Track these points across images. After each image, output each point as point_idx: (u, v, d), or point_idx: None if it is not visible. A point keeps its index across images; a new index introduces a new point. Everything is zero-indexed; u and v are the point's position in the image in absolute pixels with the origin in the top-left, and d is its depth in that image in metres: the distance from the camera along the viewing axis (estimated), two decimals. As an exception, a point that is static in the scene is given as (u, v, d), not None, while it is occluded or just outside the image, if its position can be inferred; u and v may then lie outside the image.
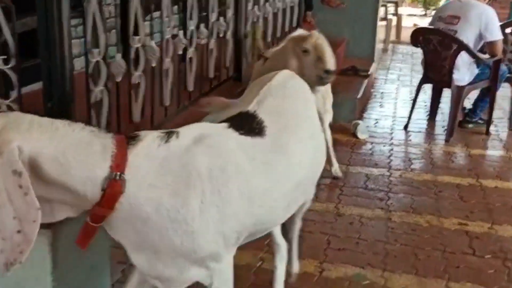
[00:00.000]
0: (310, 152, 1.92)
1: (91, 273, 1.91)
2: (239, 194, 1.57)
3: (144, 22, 2.31)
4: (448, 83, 4.81)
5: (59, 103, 1.81)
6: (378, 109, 5.87)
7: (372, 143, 4.83)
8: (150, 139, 1.43)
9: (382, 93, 6.53)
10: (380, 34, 9.05)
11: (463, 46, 4.62)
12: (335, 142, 4.68)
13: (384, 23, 9.32)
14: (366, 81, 5.99)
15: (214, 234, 1.52)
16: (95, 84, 2.05)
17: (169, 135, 1.48)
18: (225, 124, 1.69)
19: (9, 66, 1.84)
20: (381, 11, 9.14)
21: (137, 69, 2.32)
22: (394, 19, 9.93)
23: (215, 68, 3.25)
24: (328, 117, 3.77)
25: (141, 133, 1.46)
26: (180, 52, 2.73)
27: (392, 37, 9.86)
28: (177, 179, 1.42)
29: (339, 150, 4.57)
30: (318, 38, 2.94)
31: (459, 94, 4.81)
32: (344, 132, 4.98)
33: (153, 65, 2.45)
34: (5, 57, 1.85)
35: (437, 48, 4.74)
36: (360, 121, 5.05)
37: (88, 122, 2.04)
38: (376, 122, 5.41)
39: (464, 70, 4.75)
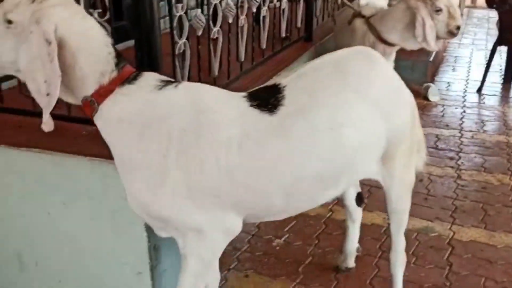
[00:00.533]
0: (326, 145, 1.64)
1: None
2: (215, 165, 1.53)
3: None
4: (525, 44, 4.66)
5: (149, 55, 1.98)
6: (451, 73, 5.77)
7: (443, 105, 4.79)
8: (146, 82, 1.54)
9: (455, 57, 6.38)
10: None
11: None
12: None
13: (459, -14, 8.99)
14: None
15: (174, 195, 1.53)
16: (179, 36, 2.21)
17: (167, 84, 1.56)
18: (243, 93, 1.66)
19: (105, 18, 2.03)
20: (456, -26, 8.83)
21: (216, 25, 2.46)
22: (470, -17, 9.56)
23: (287, 28, 3.35)
24: None
25: (146, 74, 1.58)
26: (254, 10, 2.85)
27: (467, 1, 9.51)
28: (148, 127, 1.51)
29: (409, 112, 4.57)
30: None
31: (537, 55, 4.65)
32: (415, 94, 4.86)
33: (230, 21, 2.58)
34: (100, 10, 2.05)
35: (513, 8, 4.59)
36: (431, 84, 5.01)
37: (173, 72, 2.23)
38: (448, 85, 5.33)
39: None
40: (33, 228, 2.07)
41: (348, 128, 1.68)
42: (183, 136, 1.51)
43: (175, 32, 2.15)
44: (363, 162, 1.80)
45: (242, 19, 2.70)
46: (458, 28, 3.13)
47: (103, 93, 1.51)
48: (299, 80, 1.70)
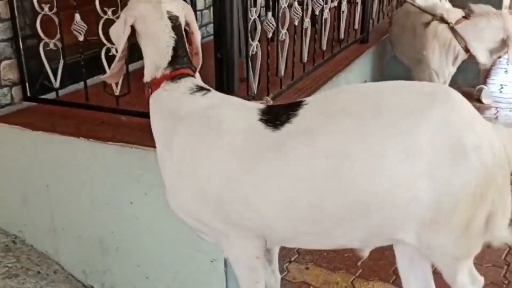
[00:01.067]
0: (323, 173, 1.47)
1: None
2: (215, 172, 1.58)
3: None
4: None
5: (226, 54, 2.12)
6: (503, 75, 5.72)
7: (497, 108, 4.77)
8: (185, 84, 1.71)
9: (507, 59, 6.30)
10: (506, 0, 8.63)
11: None
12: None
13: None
14: (491, 46, 5.84)
15: (192, 197, 1.64)
16: (252, 38, 2.34)
17: (201, 90, 1.71)
18: (262, 106, 1.67)
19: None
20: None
21: (283, 27, 2.57)
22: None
23: (345, 30, 3.44)
24: None
25: (187, 78, 1.73)
26: (317, 12, 2.95)
27: (519, 2, 9.34)
28: (167, 122, 1.69)
29: (462, 114, 4.58)
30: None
31: None
32: (467, 97, 4.86)
33: (296, 23, 2.69)
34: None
35: None
36: (484, 86, 4.99)
37: (246, 73, 2.36)
38: (501, 88, 5.29)
39: None
40: (115, 216, 2.23)
41: (354, 162, 1.46)
42: (190, 139, 1.64)
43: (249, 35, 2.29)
44: (385, 216, 1.51)
45: (307, 22, 2.81)
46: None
47: (154, 83, 1.72)
48: (326, 100, 1.61)
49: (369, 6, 3.78)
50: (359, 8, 3.66)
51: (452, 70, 3.61)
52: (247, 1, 2.26)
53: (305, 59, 2.88)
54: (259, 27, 2.35)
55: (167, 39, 1.71)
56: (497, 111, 4.70)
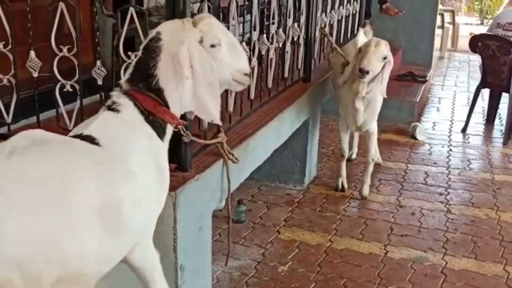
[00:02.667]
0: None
1: (199, 233, 2.29)
2: None
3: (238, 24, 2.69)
4: (507, 87, 4.99)
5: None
6: (436, 113, 6.08)
7: (430, 144, 5.06)
8: None
9: (439, 98, 6.72)
10: (437, 42, 9.21)
11: (522, 52, 4.81)
12: (395, 143, 4.97)
13: (440, 31, 9.46)
14: (423, 86, 6.22)
15: None
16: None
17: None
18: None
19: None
20: (438, 20, 9.30)
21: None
22: (451, 28, 10.04)
23: (289, 69, 3.60)
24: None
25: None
26: (263, 52, 3.09)
27: (449, 45, 9.98)
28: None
29: (398, 150, 4.85)
30: (370, 41, 3.47)
31: (517, 98, 4.98)
32: (402, 133, 5.24)
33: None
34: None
35: (495, 54, 4.94)
36: (418, 123, 5.30)
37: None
38: (434, 125, 5.62)
39: (523, 75, 4.93)
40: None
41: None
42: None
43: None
44: None
45: (254, 61, 2.94)
46: (360, 70, 3.29)
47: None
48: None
49: (311, 47, 3.97)
50: (301, 49, 3.84)
51: None
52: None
53: (252, 96, 3.00)
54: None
55: None
56: (431, 147, 4.98)
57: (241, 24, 3.18)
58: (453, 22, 10.18)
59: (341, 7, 4.70)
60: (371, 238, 3.33)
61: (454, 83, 7.55)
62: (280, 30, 3.35)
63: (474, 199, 3.90)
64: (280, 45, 3.40)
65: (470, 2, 15.48)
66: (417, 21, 6.99)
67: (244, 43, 2.81)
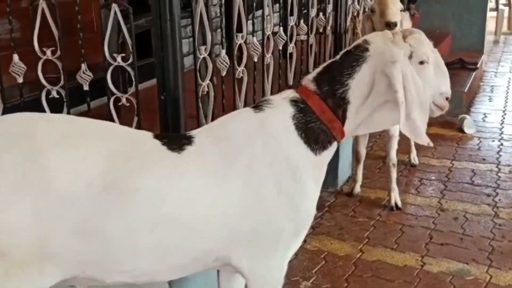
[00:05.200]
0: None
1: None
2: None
3: (247, 21, 2.44)
4: None
5: (171, 96, 1.98)
6: (487, 103, 5.61)
7: (479, 138, 4.64)
8: None
9: (492, 86, 6.22)
10: (491, 26, 8.60)
11: None
12: (440, 137, 4.58)
13: (494, 13, 8.84)
14: (473, 74, 5.75)
15: None
16: (202, 78, 2.20)
17: None
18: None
19: (128, 62, 2.04)
20: (492, 2, 8.68)
21: (240, 65, 2.44)
22: (506, 10, 9.37)
23: (315, 63, 3.31)
24: None
25: None
26: (280, 47, 2.83)
27: (504, 28, 9.32)
28: None
29: (444, 145, 4.46)
30: None
31: None
32: (449, 127, 4.83)
33: (255, 60, 2.57)
34: (124, 55, 2.06)
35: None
36: (467, 116, 4.87)
37: (197, 113, 2.22)
38: (485, 117, 5.18)
39: None
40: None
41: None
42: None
43: (198, 73, 2.15)
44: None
45: (268, 57, 2.69)
46: (387, 24, 3.02)
47: None
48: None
49: (341, 38, 3.66)
50: (330, 40, 3.54)
51: None
52: (195, 39, 2.13)
53: (268, 95, 2.74)
54: (210, 65, 2.22)
55: None
56: (480, 142, 4.56)
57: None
58: (509, 3, 9.50)
59: (376, -8, 4.35)
60: (406, 248, 3.01)
61: (509, 69, 6.99)
62: (302, 22, 3.07)
63: (527, 201, 3.50)
64: (302, 37, 3.12)
65: (529, -19, 14.48)
66: (467, 4, 6.50)
67: (254, 38, 2.56)
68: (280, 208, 1.60)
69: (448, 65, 5.46)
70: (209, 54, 2.21)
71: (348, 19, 3.73)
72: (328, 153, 1.71)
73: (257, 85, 2.68)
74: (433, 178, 3.90)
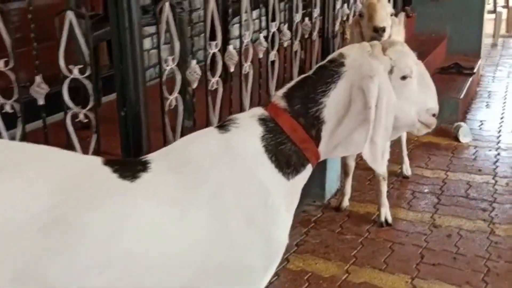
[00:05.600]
0: None
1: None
2: None
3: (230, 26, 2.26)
4: None
5: (132, 112, 1.80)
6: (484, 110, 5.42)
7: (475, 147, 4.45)
8: None
9: (489, 92, 6.03)
10: (489, 28, 8.41)
11: None
12: (435, 146, 4.40)
13: (493, 16, 8.66)
14: (470, 79, 5.56)
15: None
16: (170, 91, 2.02)
17: None
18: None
19: (85, 75, 1.86)
20: (489, 5, 8.50)
21: (214, 75, 2.26)
22: (505, 12, 9.18)
23: (300, 71, 3.12)
24: None
25: None
26: (261, 55, 2.65)
27: (502, 30, 9.13)
28: None
29: (438, 155, 4.28)
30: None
31: None
32: (445, 135, 4.64)
33: (232, 70, 2.39)
34: (82, 66, 1.88)
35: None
36: (462, 123, 4.68)
37: (163, 129, 2.03)
38: (481, 124, 4.99)
39: None
40: None
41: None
42: None
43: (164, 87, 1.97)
44: None
45: (247, 66, 2.50)
46: (375, 30, 2.86)
47: None
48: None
49: (330, 42, 3.47)
50: (317, 45, 3.35)
51: None
52: (159, 50, 1.95)
53: (247, 107, 2.56)
54: (178, 77, 2.03)
55: None
56: (476, 151, 4.38)
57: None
58: (507, 6, 9.31)
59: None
60: (396, 269, 2.83)
61: (507, 74, 6.79)
62: (285, 27, 2.89)
63: (524, 217, 3.32)
64: (286, 44, 2.94)
65: (528, -18, 14.30)
66: (464, 6, 6.30)
67: (230, 47, 2.37)
68: (251, 241, 1.42)
69: (444, 69, 5.30)
70: (177, 65, 2.02)
71: (337, 23, 3.54)
72: (302, 178, 1.53)
73: (236, 96, 2.50)
74: (426, 190, 3.72)
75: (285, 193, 1.48)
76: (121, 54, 1.76)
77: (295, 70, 3.05)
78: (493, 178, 3.86)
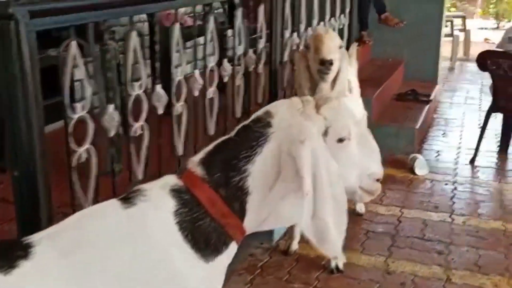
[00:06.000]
0: None
1: None
2: None
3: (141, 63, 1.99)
4: (522, 113, 4.22)
5: (25, 173, 1.51)
6: (441, 139, 5.30)
7: (432, 180, 4.29)
8: None
9: (446, 119, 5.93)
10: (446, 52, 8.42)
11: (539, 71, 4.03)
12: (390, 179, 4.22)
13: (450, 39, 8.68)
14: (427, 107, 5.45)
15: None
16: (79, 143, 1.74)
17: None
18: None
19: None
20: (447, 27, 8.51)
21: (139, 119, 1.99)
22: (462, 35, 9.23)
23: (244, 108, 2.88)
24: None
25: None
26: (196, 93, 2.39)
27: (460, 53, 9.17)
28: None
29: (393, 189, 4.10)
30: (317, 30, 2.82)
31: (534, 125, 4.20)
32: (400, 166, 4.48)
33: (160, 112, 2.12)
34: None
35: (508, 74, 4.17)
36: (418, 155, 4.52)
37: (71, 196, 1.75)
38: (438, 155, 4.85)
39: (540, 98, 4.16)
40: None
41: None
42: None
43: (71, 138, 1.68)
44: None
45: (179, 107, 2.24)
46: (322, 62, 2.62)
47: None
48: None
49: (276, 75, 3.25)
50: (262, 79, 3.12)
51: None
52: (65, 100, 1.67)
53: (211, 131, 2.30)
54: (90, 126, 1.76)
55: None
56: (433, 185, 4.22)
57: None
58: (464, 29, 9.37)
59: (322, 22, 3.98)
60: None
61: (464, 100, 6.75)
62: (225, 61, 2.64)
63: (481, 261, 3.14)
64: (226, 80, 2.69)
65: (484, 5, 14.60)
66: (421, 31, 6.22)
67: (158, 87, 2.11)
68: None
69: (401, 96, 5.13)
70: (89, 111, 1.75)
71: (286, 54, 3.33)
72: (225, 258, 1.28)
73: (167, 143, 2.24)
74: (380, 230, 3.51)
75: (204, 279, 1.23)
76: (10, 100, 1.47)
77: (238, 108, 2.80)
78: (449, 216, 3.69)
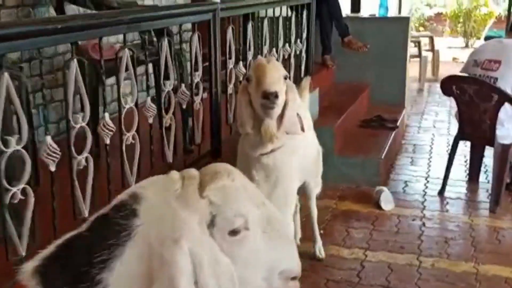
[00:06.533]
0: None
1: None
2: None
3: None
4: (490, 140, 3.95)
5: None
6: (409, 168, 5.00)
7: (398, 216, 3.97)
8: None
9: (414, 145, 5.66)
10: (415, 72, 8.22)
11: (506, 97, 3.77)
12: (354, 215, 3.91)
13: (417, 60, 8.50)
14: (393, 133, 5.16)
15: None
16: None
17: None
18: None
19: None
20: (414, 49, 8.33)
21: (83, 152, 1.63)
22: (430, 55, 9.06)
23: (175, 153, 2.53)
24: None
25: None
26: (108, 141, 2.04)
27: (428, 73, 8.99)
28: None
29: (357, 227, 3.78)
30: (259, 60, 2.48)
31: (504, 153, 3.93)
32: (365, 200, 4.16)
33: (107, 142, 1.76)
34: None
35: (473, 100, 3.90)
36: (384, 188, 4.21)
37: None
38: (405, 186, 4.55)
39: (509, 125, 3.89)
40: None
41: None
42: None
43: None
44: None
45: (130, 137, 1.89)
46: (265, 96, 2.30)
47: None
48: None
49: (218, 110, 2.92)
50: (200, 116, 2.78)
51: None
52: None
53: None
54: (27, 162, 1.39)
55: None
56: (399, 221, 3.90)
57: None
58: (432, 49, 9.22)
59: (274, 49, 3.69)
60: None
61: (433, 123, 6.51)
62: (148, 99, 2.30)
63: (452, 313, 2.81)
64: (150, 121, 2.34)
65: (453, 25, 14.60)
66: (386, 54, 5.99)
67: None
68: None
69: (366, 122, 4.83)
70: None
71: (230, 86, 3.00)
72: None
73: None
74: (340, 279, 3.16)
75: None
76: None
77: (170, 154, 2.45)
78: (417, 259, 3.36)
